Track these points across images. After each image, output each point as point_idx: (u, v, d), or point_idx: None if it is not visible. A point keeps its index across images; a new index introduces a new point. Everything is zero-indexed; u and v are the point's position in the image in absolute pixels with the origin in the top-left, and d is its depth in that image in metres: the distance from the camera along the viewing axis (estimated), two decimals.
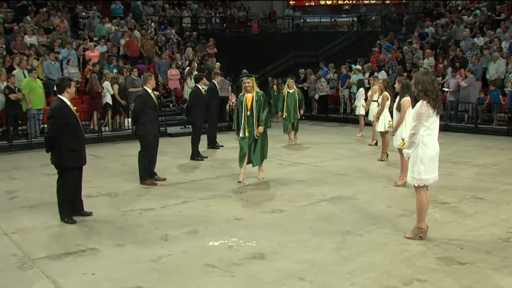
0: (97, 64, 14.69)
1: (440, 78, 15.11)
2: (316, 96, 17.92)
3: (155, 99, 8.33)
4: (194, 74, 15.38)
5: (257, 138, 7.89)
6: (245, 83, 7.97)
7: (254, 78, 8.09)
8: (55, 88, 13.64)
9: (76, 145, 6.03)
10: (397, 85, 7.66)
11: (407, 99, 7.37)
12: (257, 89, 8.01)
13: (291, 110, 12.19)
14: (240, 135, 7.97)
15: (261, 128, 7.88)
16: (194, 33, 21.36)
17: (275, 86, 18.44)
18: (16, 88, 12.26)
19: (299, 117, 12.47)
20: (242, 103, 7.98)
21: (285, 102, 12.28)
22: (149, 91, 8.17)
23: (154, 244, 5.27)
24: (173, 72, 16.49)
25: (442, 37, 18.20)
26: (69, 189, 6.10)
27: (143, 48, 17.58)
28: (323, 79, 17.80)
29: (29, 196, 7.45)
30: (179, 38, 20.49)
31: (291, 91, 12.33)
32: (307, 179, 8.35)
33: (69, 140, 5.94)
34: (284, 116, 12.32)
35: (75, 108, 6.23)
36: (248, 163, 8.03)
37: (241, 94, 8.14)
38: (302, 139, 12.68)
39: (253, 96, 7.88)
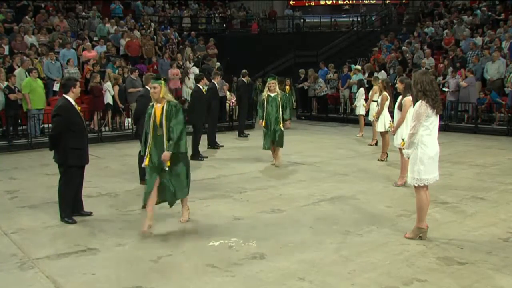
0: (97, 65, 14.67)
1: (440, 78, 15.11)
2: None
3: None
4: (190, 74, 15.47)
5: (166, 169, 5.63)
6: (151, 88, 5.75)
7: (163, 83, 5.75)
8: (54, 88, 13.80)
9: (80, 144, 6.08)
10: (399, 85, 7.65)
11: (408, 99, 7.35)
12: (168, 96, 5.74)
13: (271, 120, 9.34)
14: (143, 164, 5.78)
15: (166, 154, 5.55)
16: (193, 32, 21.35)
17: (287, 87, 17.00)
18: (16, 88, 12.26)
19: (282, 128, 9.36)
20: (150, 117, 5.73)
21: (265, 109, 9.39)
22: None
23: (154, 244, 5.27)
24: (174, 72, 16.48)
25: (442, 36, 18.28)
26: (72, 188, 6.12)
27: (143, 48, 17.57)
28: (320, 80, 17.79)
29: (29, 196, 7.45)
30: (179, 38, 20.48)
31: (272, 95, 9.39)
32: (307, 179, 8.35)
33: (73, 139, 5.99)
34: (263, 127, 9.48)
35: (79, 108, 6.30)
36: (160, 201, 5.82)
37: (150, 104, 5.89)
38: (301, 139, 12.62)
39: (163, 107, 5.65)
